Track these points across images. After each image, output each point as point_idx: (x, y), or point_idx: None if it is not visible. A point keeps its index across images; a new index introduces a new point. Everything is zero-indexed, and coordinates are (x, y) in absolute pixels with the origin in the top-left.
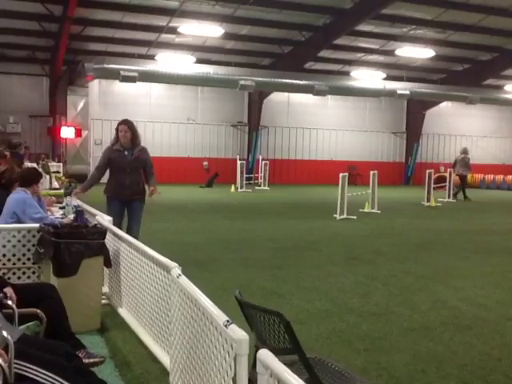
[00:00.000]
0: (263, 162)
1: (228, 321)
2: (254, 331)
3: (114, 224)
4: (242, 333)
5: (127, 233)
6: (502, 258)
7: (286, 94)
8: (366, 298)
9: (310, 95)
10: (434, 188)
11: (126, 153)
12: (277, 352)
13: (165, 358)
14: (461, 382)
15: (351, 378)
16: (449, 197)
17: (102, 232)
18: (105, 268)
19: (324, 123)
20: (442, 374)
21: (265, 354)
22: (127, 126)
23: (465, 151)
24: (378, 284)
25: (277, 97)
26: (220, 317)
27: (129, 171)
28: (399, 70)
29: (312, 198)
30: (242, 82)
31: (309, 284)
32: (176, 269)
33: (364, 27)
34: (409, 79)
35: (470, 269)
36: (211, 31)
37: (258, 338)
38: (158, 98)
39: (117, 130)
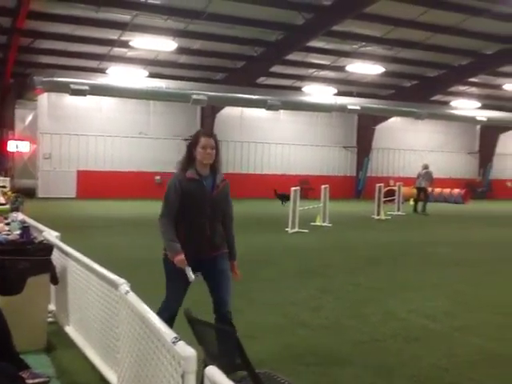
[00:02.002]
0: None
1: (176, 338)
2: (203, 348)
3: (174, 303)
4: (189, 350)
5: (218, 312)
6: (451, 269)
7: (239, 108)
8: (318, 312)
9: (263, 110)
10: (383, 201)
11: (204, 183)
12: (226, 368)
13: (112, 377)
14: None
15: None
16: (398, 210)
17: (48, 248)
18: (51, 285)
19: (276, 137)
20: None
21: (212, 371)
22: (215, 140)
23: (426, 166)
24: (329, 297)
25: (230, 111)
26: (168, 334)
27: (210, 213)
28: (350, 86)
29: (264, 212)
30: (194, 97)
31: (261, 298)
32: (124, 285)
33: (315, 43)
34: (359, 95)
35: (420, 280)
36: (164, 45)
37: (207, 355)
38: (109, 112)
39: (193, 145)
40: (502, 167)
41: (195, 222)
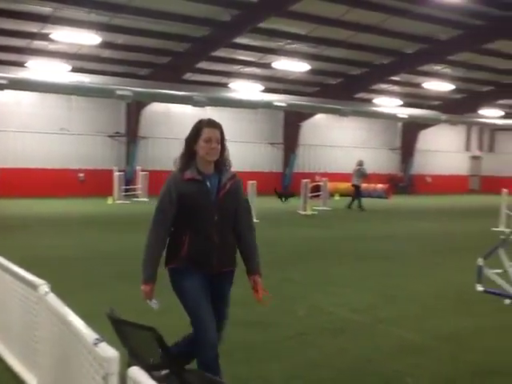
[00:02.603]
0: (142, 173)
1: (98, 339)
2: (126, 348)
3: (206, 323)
4: (111, 351)
5: (218, 325)
6: (376, 263)
7: (166, 104)
8: (245, 308)
9: (190, 106)
10: (310, 197)
11: (207, 184)
12: (151, 368)
13: (32, 381)
14: None
15: None
16: (324, 205)
17: None
18: None
19: None
20: (317, 378)
21: (135, 372)
22: (220, 131)
23: (360, 163)
24: None
25: (156, 107)
26: (89, 335)
27: (217, 219)
28: (276, 83)
29: None
30: (118, 92)
31: None
32: (44, 286)
33: (242, 40)
34: (285, 91)
35: (346, 274)
36: (87, 39)
37: (131, 355)
38: (29, 107)
39: (192, 138)
40: (423, 163)
41: (200, 231)
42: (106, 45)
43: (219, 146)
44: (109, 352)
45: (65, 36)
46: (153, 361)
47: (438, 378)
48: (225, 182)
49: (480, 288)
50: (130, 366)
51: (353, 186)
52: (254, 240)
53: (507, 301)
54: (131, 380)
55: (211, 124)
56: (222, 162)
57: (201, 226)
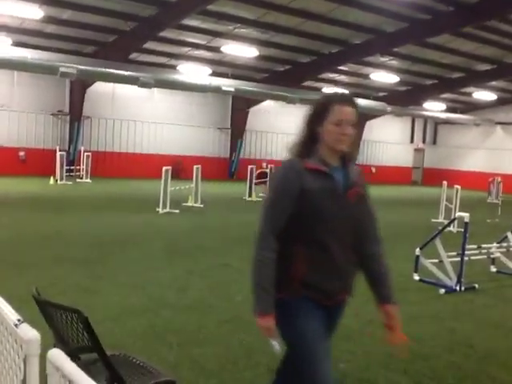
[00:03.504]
0: (85, 153)
1: (19, 320)
2: (52, 331)
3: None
4: (33, 332)
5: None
6: None
7: (111, 84)
8: (183, 292)
9: (136, 87)
10: (255, 183)
11: (336, 179)
12: (76, 351)
13: None
14: (268, 369)
15: (156, 372)
16: None
17: None
18: None
19: (150, 116)
20: (251, 363)
21: (56, 355)
22: (356, 110)
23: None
24: (195, 278)
25: (101, 87)
26: (11, 316)
27: (344, 229)
28: (225, 67)
29: (135, 192)
30: (62, 69)
31: (126, 279)
32: None
33: (190, 22)
34: (234, 76)
35: None
36: (29, 12)
37: (57, 338)
38: None
39: (316, 118)
40: (368, 153)
41: (322, 245)
42: (49, 19)
43: (353, 132)
44: (29, 333)
45: (6, 8)
46: (79, 344)
47: (370, 363)
48: (354, 180)
49: (416, 277)
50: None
51: None
52: (384, 258)
53: (442, 290)
54: (51, 363)
55: (345, 100)
56: (350, 153)
57: (323, 237)
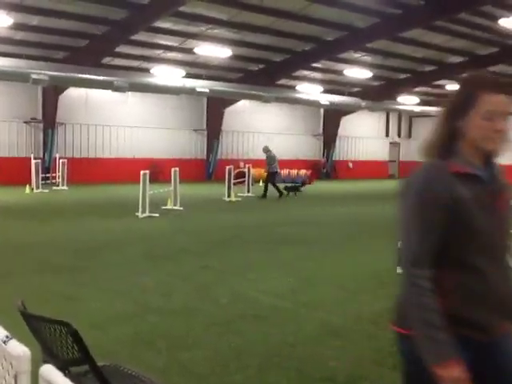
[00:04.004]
0: (61, 160)
1: (7, 336)
2: (40, 344)
3: None
4: (22, 348)
5: None
6: (297, 248)
7: (84, 89)
8: (168, 297)
9: (109, 91)
10: (234, 183)
11: (487, 183)
12: (67, 364)
13: None
14: (259, 371)
15: (149, 381)
16: (248, 192)
17: None
18: None
19: (124, 120)
20: (241, 365)
21: (48, 370)
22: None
23: (266, 149)
24: (179, 281)
25: (74, 92)
26: None
27: (500, 243)
28: (198, 69)
29: (114, 197)
30: (34, 76)
31: (109, 285)
32: None
33: (163, 24)
34: (208, 77)
35: (268, 260)
36: None
37: (46, 352)
38: None
39: (459, 109)
40: (344, 149)
41: (476, 267)
42: (18, 26)
43: (507, 126)
44: (19, 350)
45: None
46: (69, 356)
47: (360, 359)
48: (504, 183)
49: (399, 270)
50: (44, 362)
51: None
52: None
53: None
54: (43, 379)
55: (500, 86)
56: (496, 150)
57: (476, 257)
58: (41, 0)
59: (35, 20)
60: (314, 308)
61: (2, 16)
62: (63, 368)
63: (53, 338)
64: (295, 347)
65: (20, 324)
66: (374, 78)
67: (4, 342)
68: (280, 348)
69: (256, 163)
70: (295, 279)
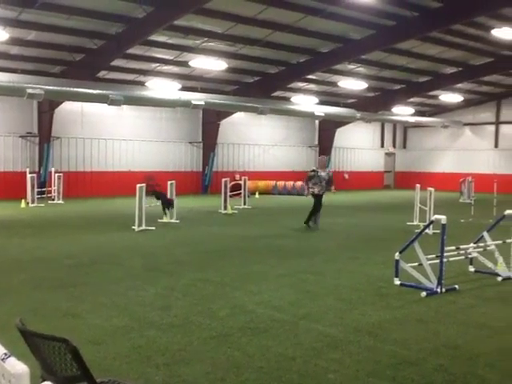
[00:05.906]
0: (56, 174)
1: (6, 354)
2: (39, 362)
3: None
4: (21, 366)
5: None
6: (295, 260)
7: (80, 103)
8: (166, 310)
9: (105, 105)
10: (230, 196)
11: None
12: (65, 381)
13: None
14: None
15: None
16: (244, 204)
17: None
18: None
19: (120, 134)
20: (240, 379)
21: None
22: None
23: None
24: (177, 294)
25: (69, 106)
26: None
27: None
28: (194, 81)
29: (110, 211)
30: (29, 91)
31: (106, 300)
32: None
33: (158, 37)
34: (203, 90)
35: (266, 272)
36: None
37: (45, 369)
38: None
39: None
40: (340, 160)
41: None
42: (14, 41)
43: None
44: (18, 367)
45: None
46: (68, 373)
47: (359, 372)
48: None
49: (397, 282)
50: (43, 379)
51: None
52: None
53: (423, 293)
54: None
55: None
56: None
57: None
58: (37, 15)
59: (31, 35)
60: (313, 320)
61: None
62: None
63: (51, 355)
64: (294, 360)
65: (18, 341)
66: (369, 89)
67: (3, 360)
68: (279, 361)
69: (252, 175)
70: (293, 291)
